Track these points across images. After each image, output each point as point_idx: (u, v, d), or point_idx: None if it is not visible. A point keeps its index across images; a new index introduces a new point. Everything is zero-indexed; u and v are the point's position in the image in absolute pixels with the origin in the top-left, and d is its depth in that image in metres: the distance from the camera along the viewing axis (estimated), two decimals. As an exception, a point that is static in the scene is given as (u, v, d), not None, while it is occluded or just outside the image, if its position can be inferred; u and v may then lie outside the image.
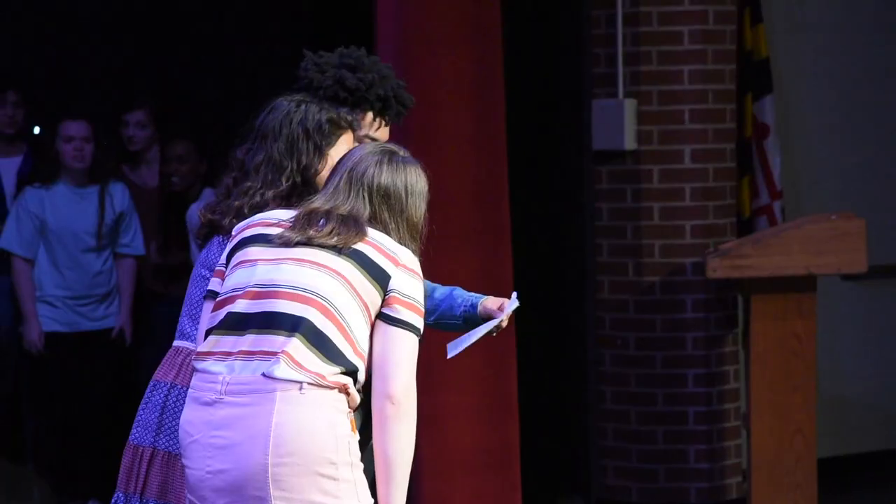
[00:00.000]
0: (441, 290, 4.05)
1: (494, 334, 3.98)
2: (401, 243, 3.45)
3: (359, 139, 3.95)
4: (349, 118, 3.87)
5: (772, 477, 6.10)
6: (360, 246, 3.38)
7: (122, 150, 6.72)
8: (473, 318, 3.94)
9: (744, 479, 6.53)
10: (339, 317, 3.32)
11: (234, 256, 3.44)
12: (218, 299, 3.42)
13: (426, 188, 3.54)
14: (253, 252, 3.41)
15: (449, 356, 3.93)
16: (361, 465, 3.34)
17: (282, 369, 3.27)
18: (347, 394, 3.33)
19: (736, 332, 6.60)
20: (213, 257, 3.92)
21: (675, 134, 6.50)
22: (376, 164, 3.48)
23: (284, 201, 3.87)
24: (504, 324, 3.95)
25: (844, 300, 7.30)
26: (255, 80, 7.05)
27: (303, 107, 3.89)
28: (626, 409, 6.57)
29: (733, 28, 6.58)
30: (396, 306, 3.36)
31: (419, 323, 3.39)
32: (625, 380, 6.57)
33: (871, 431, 7.44)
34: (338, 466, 3.27)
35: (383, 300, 3.36)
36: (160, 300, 6.50)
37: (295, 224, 3.43)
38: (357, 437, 3.37)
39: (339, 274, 3.35)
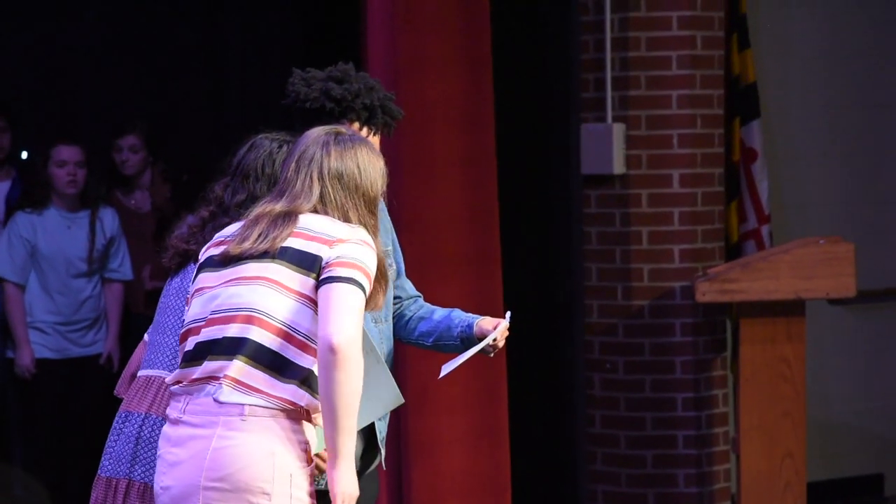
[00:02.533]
0: (440, 312, 4.08)
1: (492, 355, 4.00)
2: (360, 221, 3.43)
3: None
4: None
5: (761, 501, 6.10)
6: (288, 241, 3.36)
7: (115, 174, 6.71)
8: (470, 339, 3.96)
9: (733, 503, 6.52)
10: (279, 324, 3.30)
11: (194, 283, 3.46)
12: (183, 330, 3.44)
13: (381, 165, 3.51)
14: (203, 279, 3.43)
15: (441, 375, 3.95)
16: (305, 500, 3.29)
17: (226, 393, 3.29)
18: (305, 416, 3.30)
19: (724, 356, 6.61)
20: (188, 285, 3.91)
21: (663, 158, 6.52)
22: (323, 148, 3.46)
23: None
24: (500, 343, 3.97)
25: (833, 324, 7.31)
26: (244, 108, 7.05)
27: (285, 147, 3.88)
28: (615, 433, 6.56)
29: (721, 53, 6.60)
30: (332, 268, 3.32)
31: (360, 278, 3.32)
32: (614, 404, 6.57)
33: (860, 455, 7.45)
34: (272, 497, 3.25)
35: (323, 266, 3.33)
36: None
37: (234, 239, 3.43)
38: (311, 467, 3.32)
39: (268, 280, 3.33)
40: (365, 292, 3.31)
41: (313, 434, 3.35)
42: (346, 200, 3.43)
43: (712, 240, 6.60)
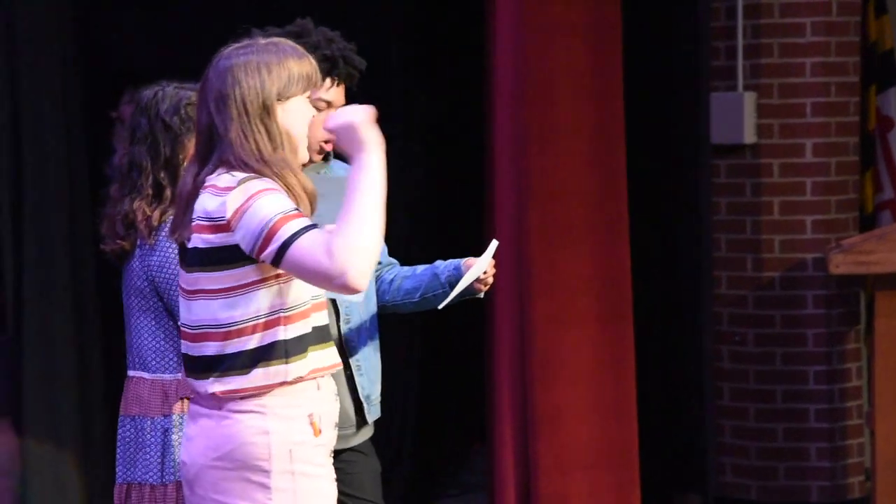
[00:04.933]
0: (423, 267, 4.01)
1: (482, 294, 3.93)
2: (250, 140, 3.20)
3: (313, 103, 3.92)
4: None
5: None
6: (192, 239, 3.23)
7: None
8: (459, 281, 3.89)
9: (867, 478, 6.42)
10: (227, 329, 3.23)
11: (180, 275, 3.36)
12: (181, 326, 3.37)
13: (279, 67, 3.24)
14: (180, 276, 3.35)
15: (440, 307, 3.90)
16: (313, 473, 3.24)
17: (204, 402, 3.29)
18: (291, 383, 3.22)
19: (858, 329, 6.49)
20: (131, 285, 3.88)
21: (796, 127, 6.41)
22: (213, 72, 3.25)
23: (157, 204, 3.78)
24: (489, 277, 3.89)
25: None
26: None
27: (159, 94, 3.80)
28: (745, 406, 6.49)
29: (857, 19, 6.46)
30: (265, 250, 3.15)
31: (288, 227, 3.12)
32: (743, 376, 6.49)
33: None
34: (271, 475, 3.20)
35: (252, 254, 3.17)
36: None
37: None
38: (320, 439, 3.26)
39: (201, 292, 3.24)
40: (298, 230, 3.13)
41: (320, 399, 3.28)
42: (230, 124, 3.21)
43: (846, 210, 6.48)
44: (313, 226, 3.18)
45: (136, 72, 6.81)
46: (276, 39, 3.32)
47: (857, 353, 6.49)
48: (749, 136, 6.42)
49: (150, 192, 3.80)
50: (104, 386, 5.71)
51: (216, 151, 3.25)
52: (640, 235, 6.12)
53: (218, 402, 3.25)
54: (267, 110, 3.24)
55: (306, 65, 3.29)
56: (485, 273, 3.88)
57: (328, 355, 3.33)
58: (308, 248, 3.13)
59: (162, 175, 3.80)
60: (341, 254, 3.11)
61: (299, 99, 3.29)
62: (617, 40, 5.81)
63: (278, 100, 3.25)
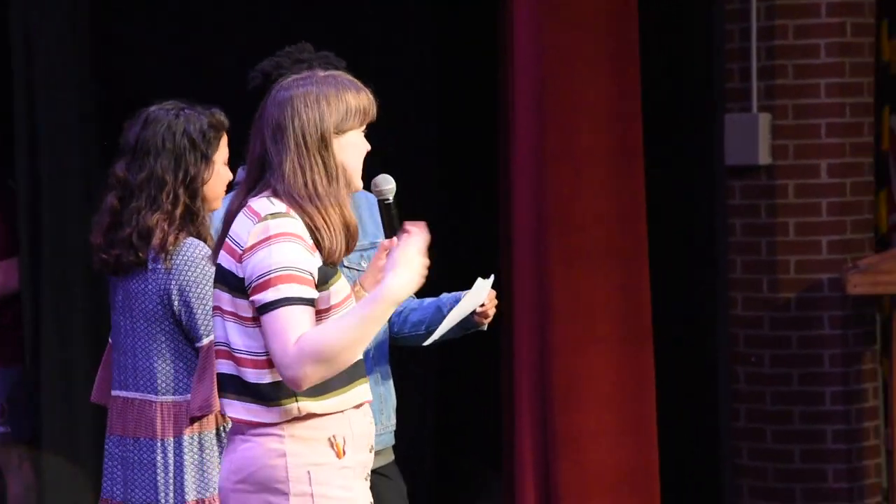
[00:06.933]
0: (429, 300, 3.95)
1: (485, 327, 3.89)
2: (303, 173, 3.18)
3: None
4: (222, 118, 3.85)
5: (914, 497, 5.99)
6: (220, 256, 3.25)
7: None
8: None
9: (884, 498, 6.42)
10: (240, 354, 3.22)
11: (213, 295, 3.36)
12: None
13: (336, 100, 3.21)
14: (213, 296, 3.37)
15: (425, 343, 3.84)
16: (335, 496, 3.21)
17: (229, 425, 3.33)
18: (296, 419, 3.20)
19: (874, 349, 6.50)
20: (135, 302, 3.88)
21: (810, 148, 6.42)
22: (271, 101, 3.22)
23: (170, 221, 3.82)
24: (489, 310, 3.84)
25: None
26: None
27: (181, 116, 3.85)
28: (762, 427, 6.48)
29: (871, 40, 6.48)
30: (252, 296, 3.16)
31: (277, 293, 3.12)
32: (759, 398, 6.49)
33: None
34: (289, 497, 3.19)
35: (247, 290, 3.18)
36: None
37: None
38: (345, 461, 3.23)
39: (220, 310, 3.25)
40: (292, 297, 3.12)
41: (345, 421, 3.26)
42: (286, 155, 3.19)
43: (862, 231, 6.49)
44: (310, 301, 3.14)
45: (150, 93, 6.84)
46: (334, 72, 3.31)
47: (873, 373, 6.48)
48: (764, 158, 6.43)
49: (169, 208, 3.82)
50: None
51: (264, 180, 3.24)
52: (655, 258, 6.12)
53: (238, 425, 3.26)
54: (325, 143, 3.22)
55: (363, 98, 3.27)
56: (482, 306, 3.84)
57: (356, 395, 3.28)
58: (286, 323, 3.12)
59: (180, 192, 3.82)
60: (308, 355, 3.10)
61: (356, 132, 3.28)
62: (635, 65, 5.82)
63: (336, 133, 3.23)
